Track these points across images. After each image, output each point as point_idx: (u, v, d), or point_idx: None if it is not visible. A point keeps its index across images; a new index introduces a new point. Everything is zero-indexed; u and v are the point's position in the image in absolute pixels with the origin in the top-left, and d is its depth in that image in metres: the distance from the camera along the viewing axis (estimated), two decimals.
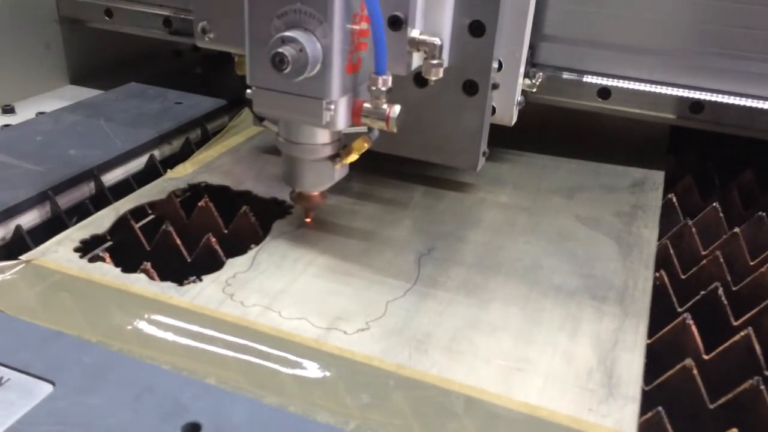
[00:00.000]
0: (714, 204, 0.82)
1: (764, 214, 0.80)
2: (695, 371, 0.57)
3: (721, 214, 0.82)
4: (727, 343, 0.62)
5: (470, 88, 0.75)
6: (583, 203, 0.81)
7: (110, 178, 0.84)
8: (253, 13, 0.59)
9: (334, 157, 0.67)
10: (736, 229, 0.77)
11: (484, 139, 0.78)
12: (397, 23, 0.63)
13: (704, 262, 0.73)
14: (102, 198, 0.81)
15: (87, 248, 0.68)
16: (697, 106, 0.87)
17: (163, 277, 0.65)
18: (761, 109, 0.85)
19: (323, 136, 0.66)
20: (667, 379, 0.58)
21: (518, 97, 0.79)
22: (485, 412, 0.51)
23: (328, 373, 0.54)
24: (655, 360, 0.61)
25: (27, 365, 0.51)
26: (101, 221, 0.72)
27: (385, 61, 0.58)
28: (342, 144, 0.68)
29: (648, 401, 0.55)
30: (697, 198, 0.90)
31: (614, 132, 1.06)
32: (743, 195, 0.90)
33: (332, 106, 0.60)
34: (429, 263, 0.68)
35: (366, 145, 0.66)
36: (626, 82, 0.89)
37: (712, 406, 0.57)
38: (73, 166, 0.81)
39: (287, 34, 0.57)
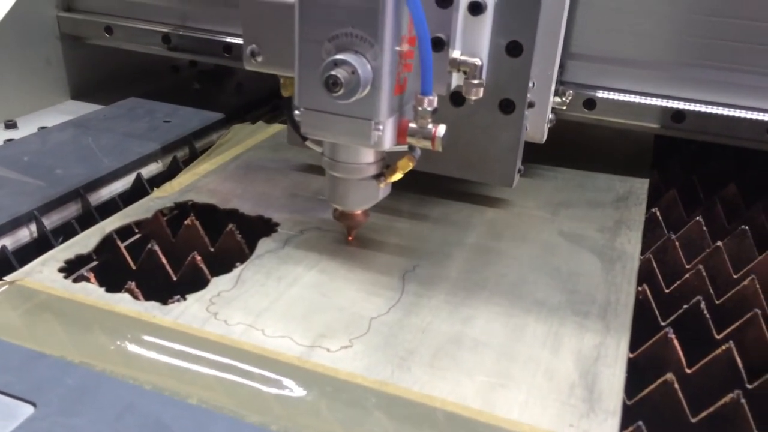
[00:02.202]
0: (697, 218, 0.83)
1: (747, 227, 0.81)
2: (676, 385, 0.57)
3: (705, 228, 0.82)
4: (708, 357, 0.62)
5: (507, 106, 0.76)
6: (568, 219, 0.82)
7: (97, 197, 0.84)
8: (304, 37, 0.60)
9: (379, 176, 0.68)
10: (719, 243, 0.78)
11: (519, 157, 0.79)
12: (438, 44, 0.64)
13: (687, 275, 0.74)
14: (89, 217, 0.81)
15: (72, 268, 0.68)
16: (678, 115, 0.88)
17: (149, 297, 0.65)
18: (740, 118, 0.87)
19: (368, 156, 0.67)
20: (648, 393, 0.58)
21: (549, 115, 0.81)
22: (467, 429, 0.51)
23: (310, 392, 0.54)
24: (639, 374, 0.62)
25: (8, 386, 0.51)
26: (87, 241, 0.72)
27: (432, 82, 0.59)
28: (386, 163, 0.69)
29: (631, 416, 0.56)
30: (681, 212, 0.90)
31: (598, 146, 1.07)
32: (727, 208, 0.91)
33: (380, 127, 0.60)
34: (414, 279, 0.69)
35: (411, 164, 0.66)
36: (611, 93, 0.90)
37: (694, 420, 0.57)
38: (59, 185, 0.81)
39: (340, 57, 0.57)
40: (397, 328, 0.62)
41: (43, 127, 1.01)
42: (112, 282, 0.67)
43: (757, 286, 0.71)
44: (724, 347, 0.62)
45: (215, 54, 1.03)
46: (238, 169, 0.91)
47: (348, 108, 0.60)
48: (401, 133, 0.63)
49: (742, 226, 0.81)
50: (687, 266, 0.78)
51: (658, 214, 0.85)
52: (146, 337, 0.58)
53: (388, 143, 0.62)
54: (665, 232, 0.83)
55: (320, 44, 0.59)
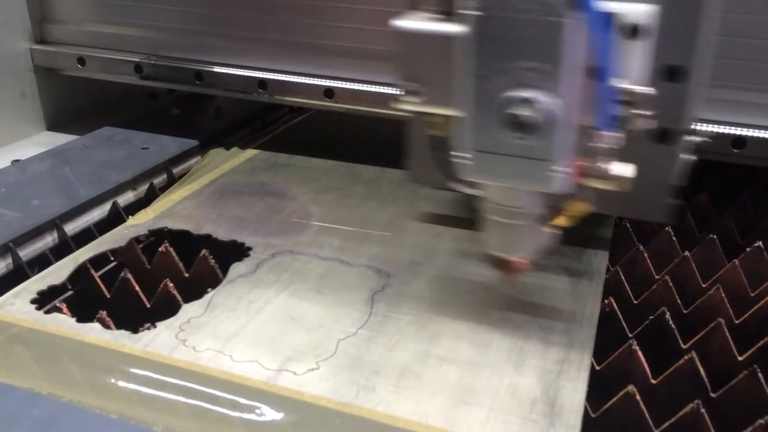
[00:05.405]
0: (666, 228, 0.84)
1: (715, 236, 0.82)
2: (638, 397, 0.58)
3: (674, 238, 0.83)
4: (672, 367, 0.63)
5: (663, 136, 0.70)
6: None
7: (73, 227, 0.85)
8: (477, 73, 0.54)
9: (546, 220, 0.63)
10: (686, 253, 0.79)
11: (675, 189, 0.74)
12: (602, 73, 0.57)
13: (654, 286, 0.75)
14: (65, 247, 0.82)
15: (44, 299, 0.69)
16: None
17: (123, 325, 0.66)
18: (705, 132, 0.87)
19: (537, 199, 0.61)
20: (611, 405, 0.59)
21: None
22: None
23: (276, 415, 0.55)
24: (604, 386, 0.62)
25: None
26: (60, 271, 0.73)
27: (617, 117, 0.54)
28: (551, 204, 0.63)
29: (595, 428, 0.56)
30: (653, 222, 0.91)
31: None
32: (698, 218, 0.92)
33: (561, 168, 0.55)
34: (382, 300, 0.69)
35: (587, 208, 0.62)
36: None
37: (656, 431, 0.58)
38: (35, 216, 0.82)
39: (519, 93, 0.52)
40: (365, 348, 0.62)
41: (16, 160, 1.02)
42: (86, 311, 0.68)
43: (723, 294, 0.72)
44: (686, 357, 0.63)
45: (187, 82, 1.04)
46: (213, 194, 0.92)
47: (525, 149, 0.54)
48: (579, 173, 0.57)
49: (711, 235, 0.82)
50: (657, 277, 0.79)
51: (628, 225, 0.86)
52: (115, 366, 0.59)
53: (567, 185, 0.56)
54: (636, 243, 0.84)
55: (495, 80, 0.53)
